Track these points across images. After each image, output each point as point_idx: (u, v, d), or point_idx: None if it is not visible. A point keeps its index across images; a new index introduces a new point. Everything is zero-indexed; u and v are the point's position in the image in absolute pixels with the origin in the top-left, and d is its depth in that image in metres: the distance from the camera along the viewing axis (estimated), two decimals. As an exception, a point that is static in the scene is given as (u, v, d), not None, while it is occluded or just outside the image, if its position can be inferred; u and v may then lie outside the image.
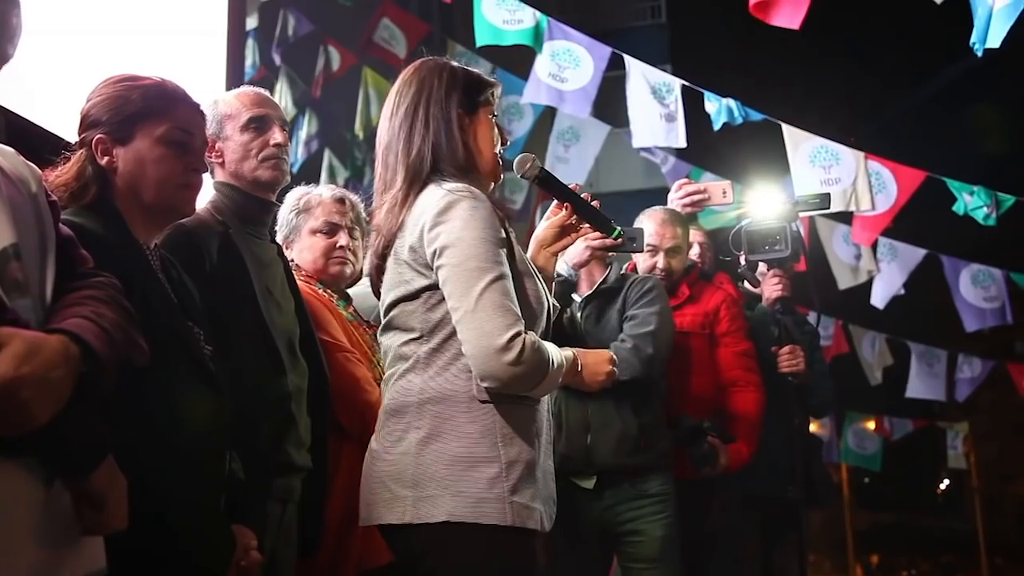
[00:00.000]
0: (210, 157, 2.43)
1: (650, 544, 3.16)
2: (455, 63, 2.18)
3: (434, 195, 1.99)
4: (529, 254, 2.26)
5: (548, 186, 2.21)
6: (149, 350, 1.56)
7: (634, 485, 3.19)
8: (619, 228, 2.22)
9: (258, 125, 2.45)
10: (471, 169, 2.09)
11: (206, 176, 2.15)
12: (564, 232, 2.27)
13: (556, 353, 1.99)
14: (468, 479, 1.90)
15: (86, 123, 1.94)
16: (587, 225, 2.28)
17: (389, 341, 2.09)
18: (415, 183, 2.05)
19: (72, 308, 1.45)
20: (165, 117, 1.95)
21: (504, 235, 2.00)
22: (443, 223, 1.95)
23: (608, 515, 3.19)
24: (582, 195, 2.25)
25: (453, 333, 1.96)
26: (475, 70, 2.19)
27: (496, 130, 2.16)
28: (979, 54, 3.63)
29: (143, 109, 1.93)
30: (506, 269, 1.95)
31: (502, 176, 2.20)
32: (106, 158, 1.91)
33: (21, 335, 1.29)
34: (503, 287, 1.92)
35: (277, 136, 2.47)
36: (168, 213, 2.01)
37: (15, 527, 1.35)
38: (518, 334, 1.89)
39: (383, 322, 2.11)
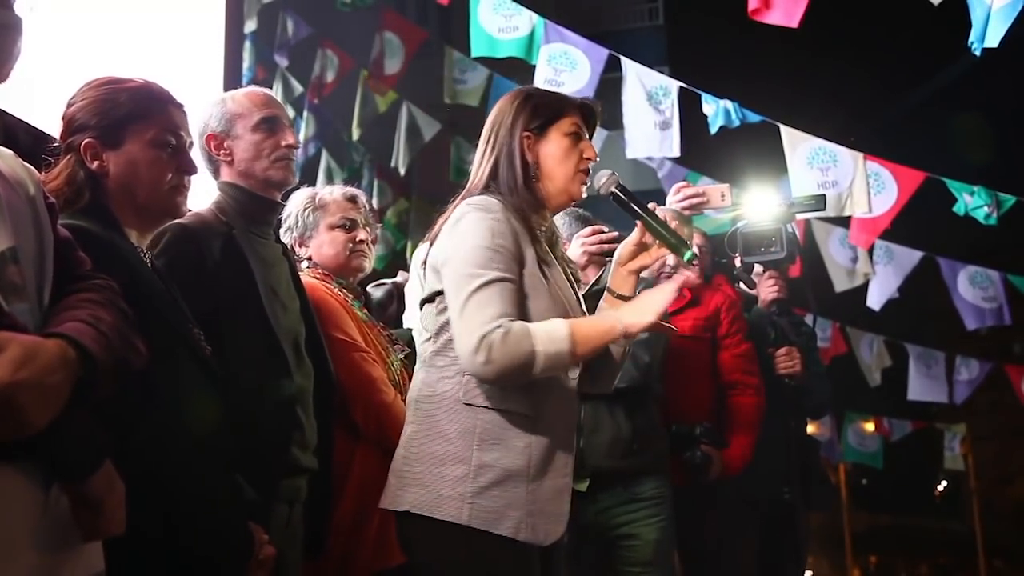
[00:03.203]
0: (218, 155, 2.44)
1: (644, 548, 3.15)
2: (541, 89, 2.31)
3: (457, 208, 2.10)
4: (610, 274, 2.30)
5: (621, 203, 2.21)
6: (148, 352, 1.56)
7: (628, 488, 3.18)
8: (693, 251, 2.17)
9: (270, 126, 2.47)
10: (528, 188, 2.16)
11: (202, 177, 2.15)
12: (640, 250, 2.25)
13: (546, 332, 1.97)
14: (435, 475, 2.00)
15: (72, 127, 1.92)
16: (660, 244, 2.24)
17: (416, 339, 2.22)
18: (461, 200, 2.15)
19: (70, 311, 1.46)
20: (153, 120, 1.95)
21: (515, 245, 2.05)
22: (451, 234, 2.06)
23: (602, 518, 3.19)
24: (659, 214, 2.22)
25: (453, 339, 2.04)
26: (559, 93, 2.28)
27: (576, 146, 2.19)
28: (978, 53, 3.63)
29: (132, 112, 1.93)
30: (504, 274, 2.00)
31: (583, 192, 2.22)
32: (96, 162, 1.91)
33: (19, 339, 1.29)
34: (492, 290, 1.97)
35: (289, 137, 2.49)
36: (160, 215, 2.03)
37: (14, 531, 1.35)
38: (489, 332, 1.93)
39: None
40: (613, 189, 2.19)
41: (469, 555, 1.97)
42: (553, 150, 2.18)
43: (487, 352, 1.93)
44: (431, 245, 2.16)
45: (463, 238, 2.04)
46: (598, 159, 2.23)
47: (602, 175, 2.21)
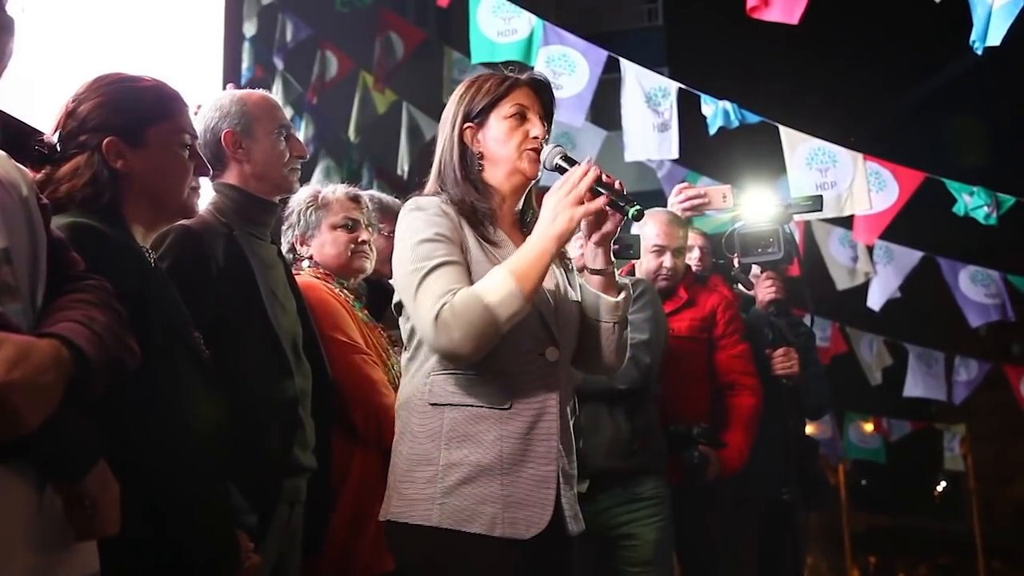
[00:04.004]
0: (235, 153, 2.44)
1: (644, 547, 3.16)
2: (485, 76, 2.22)
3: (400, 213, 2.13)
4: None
5: (563, 172, 2.13)
6: (142, 353, 1.56)
7: (627, 488, 3.19)
8: (638, 207, 2.04)
9: (288, 133, 2.51)
10: (474, 179, 2.15)
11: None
12: (599, 218, 2.12)
13: (489, 284, 1.95)
14: (409, 480, 2.01)
15: (87, 125, 1.86)
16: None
17: None
18: None
19: (63, 312, 1.45)
20: (173, 120, 1.95)
21: (455, 233, 2.05)
22: (395, 240, 2.09)
23: (602, 519, 3.19)
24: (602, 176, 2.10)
25: (420, 343, 2.07)
26: (502, 75, 2.20)
27: (519, 126, 2.15)
28: (979, 52, 3.63)
29: (155, 112, 1.92)
30: (446, 258, 2.00)
31: (534, 169, 2.16)
32: (120, 161, 1.87)
33: (12, 339, 1.29)
34: (435, 275, 1.97)
35: (302, 148, 2.55)
36: (176, 216, 2.03)
37: (8, 531, 1.35)
38: (439, 312, 1.92)
39: None
40: (558, 161, 2.13)
41: (442, 557, 1.96)
42: (494, 134, 2.15)
43: (446, 330, 1.91)
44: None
45: (401, 241, 2.06)
46: (547, 137, 2.17)
47: (546, 150, 2.15)
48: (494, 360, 2.00)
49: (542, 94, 2.21)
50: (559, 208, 1.99)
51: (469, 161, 2.16)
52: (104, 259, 1.68)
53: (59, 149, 1.84)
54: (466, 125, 2.17)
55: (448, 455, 1.98)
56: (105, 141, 1.85)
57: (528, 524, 1.99)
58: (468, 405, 2.01)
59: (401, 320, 2.15)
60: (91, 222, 1.77)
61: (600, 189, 2.05)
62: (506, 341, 1.98)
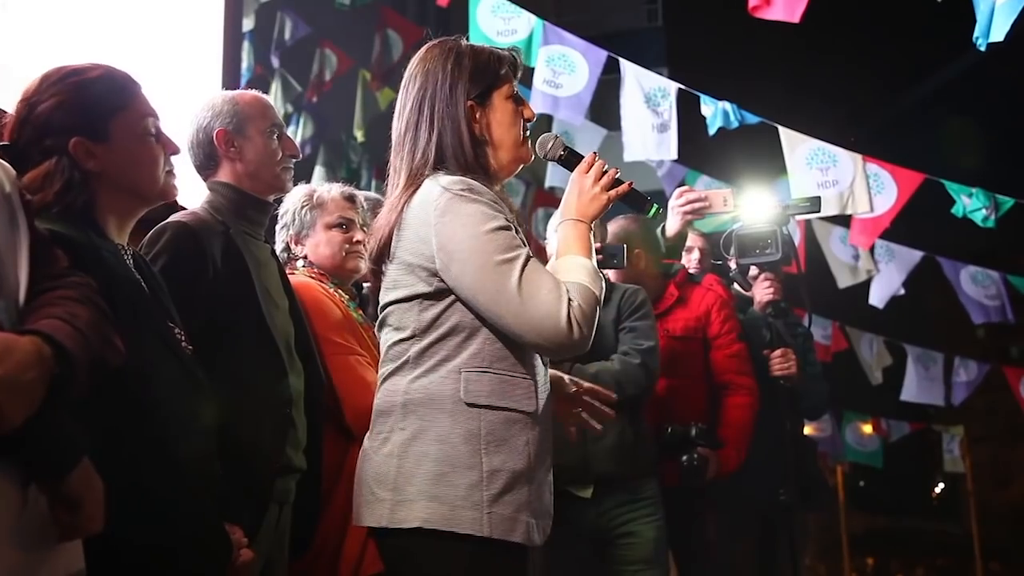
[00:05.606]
0: (227, 152, 2.43)
1: (644, 546, 3.17)
2: (464, 44, 2.09)
3: (431, 194, 1.92)
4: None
5: (568, 166, 2.09)
6: (126, 350, 1.54)
7: (628, 490, 3.20)
8: (656, 206, 2.05)
9: (280, 133, 2.50)
10: (483, 163, 2.03)
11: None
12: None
13: (582, 271, 1.91)
14: (445, 484, 1.83)
15: (50, 128, 1.76)
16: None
17: (384, 339, 2.04)
18: (413, 183, 1.99)
19: (46, 309, 1.43)
20: (133, 107, 1.87)
21: (510, 219, 1.93)
22: (445, 225, 1.88)
23: (603, 520, 3.20)
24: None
25: (445, 335, 1.91)
26: (486, 47, 2.10)
27: (518, 108, 2.07)
28: (982, 49, 3.62)
29: (112, 103, 1.84)
30: (526, 248, 1.89)
31: (532, 156, 2.11)
32: (91, 161, 1.80)
33: None
34: (532, 267, 1.86)
35: (295, 148, 2.55)
36: (157, 200, 1.95)
37: (-8, 529, 1.34)
38: (567, 307, 1.83)
39: (378, 320, 2.06)
40: (562, 152, 2.09)
41: (486, 568, 1.84)
42: (500, 117, 2.04)
43: (577, 328, 1.82)
44: (391, 239, 1.98)
45: (466, 227, 1.87)
46: (536, 117, 2.13)
47: (547, 140, 2.10)
48: (526, 362, 1.93)
49: (515, 71, 2.12)
50: (594, 190, 2.00)
51: (477, 144, 2.03)
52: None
53: (21, 157, 1.75)
54: (468, 103, 2.02)
55: (489, 460, 1.85)
56: (71, 143, 1.78)
57: (543, 531, 1.93)
58: (503, 408, 1.89)
59: (406, 308, 1.95)
60: (51, 227, 1.69)
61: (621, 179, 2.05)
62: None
